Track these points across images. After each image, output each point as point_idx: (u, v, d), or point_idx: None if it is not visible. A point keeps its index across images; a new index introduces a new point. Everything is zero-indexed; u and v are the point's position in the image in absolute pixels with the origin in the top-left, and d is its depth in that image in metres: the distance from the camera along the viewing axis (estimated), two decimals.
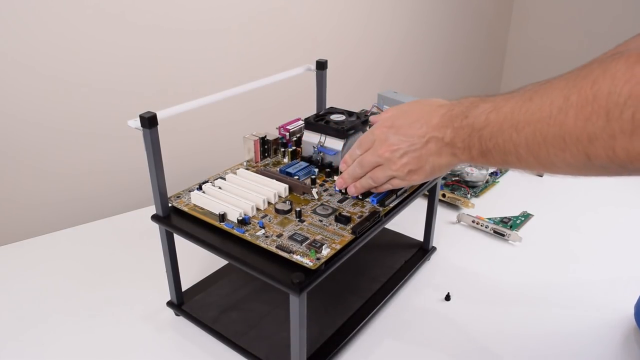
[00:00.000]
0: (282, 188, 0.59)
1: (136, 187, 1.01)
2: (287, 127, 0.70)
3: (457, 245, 0.78)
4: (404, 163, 0.51)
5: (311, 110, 0.73)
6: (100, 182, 1.04)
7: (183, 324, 0.63)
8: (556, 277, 0.71)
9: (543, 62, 1.75)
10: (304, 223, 0.55)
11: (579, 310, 0.65)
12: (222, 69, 1.13)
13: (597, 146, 0.35)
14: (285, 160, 0.68)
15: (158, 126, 0.52)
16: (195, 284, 0.67)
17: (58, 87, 0.93)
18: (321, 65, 0.72)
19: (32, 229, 0.86)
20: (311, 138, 0.66)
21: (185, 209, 0.58)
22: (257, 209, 0.57)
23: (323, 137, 0.65)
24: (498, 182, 0.96)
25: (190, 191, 0.60)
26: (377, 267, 0.70)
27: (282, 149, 0.69)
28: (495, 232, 0.79)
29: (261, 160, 0.69)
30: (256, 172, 0.63)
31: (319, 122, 0.65)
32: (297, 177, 0.63)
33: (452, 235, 0.80)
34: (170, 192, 0.59)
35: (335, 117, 0.66)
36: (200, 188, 0.60)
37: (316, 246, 0.50)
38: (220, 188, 0.60)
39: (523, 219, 0.84)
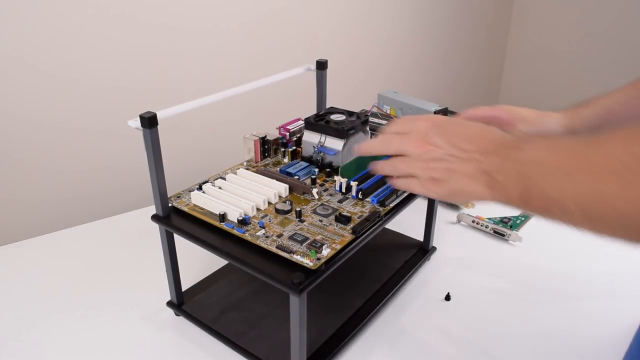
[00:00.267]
0: (282, 188, 0.59)
1: (136, 187, 1.01)
2: (287, 127, 0.70)
3: (457, 245, 0.78)
4: (431, 167, 0.46)
5: (311, 110, 0.73)
6: (100, 182, 1.04)
7: (183, 324, 0.63)
8: (556, 277, 0.71)
9: (543, 62, 1.75)
10: (304, 223, 0.55)
11: (579, 310, 0.65)
12: (223, 68, 1.13)
13: None
14: (286, 160, 0.68)
15: (158, 126, 0.52)
16: (195, 284, 0.67)
17: (58, 88, 0.93)
18: (321, 65, 0.71)
19: (32, 229, 0.86)
20: (311, 138, 0.66)
21: (186, 209, 0.58)
22: (257, 209, 0.57)
23: (323, 137, 0.65)
24: None
25: (190, 191, 0.60)
26: (377, 267, 0.70)
27: (282, 149, 0.69)
28: (495, 232, 0.79)
29: (261, 160, 0.69)
30: (256, 172, 0.63)
31: (319, 122, 0.65)
32: (297, 177, 0.63)
33: (452, 235, 0.80)
34: (170, 192, 0.59)
35: (335, 117, 0.66)
36: (200, 188, 0.60)
37: (316, 246, 0.50)
38: (220, 188, 0.60)
39: (523, 219, 0.84)
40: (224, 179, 0.62)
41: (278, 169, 0.65)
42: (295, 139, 0.70)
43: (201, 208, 0.58)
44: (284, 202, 0.58)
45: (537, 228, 0.82)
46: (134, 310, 0.65)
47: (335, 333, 0.59)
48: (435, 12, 1.55)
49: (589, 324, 0.63)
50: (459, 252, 0.76)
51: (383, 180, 0.63)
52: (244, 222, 0.54)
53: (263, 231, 0.53)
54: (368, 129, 0.68)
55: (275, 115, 1.02)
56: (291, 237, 0.52)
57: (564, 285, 0.70)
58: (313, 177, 0.62)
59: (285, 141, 0.69)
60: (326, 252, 0.50)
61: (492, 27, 1.77)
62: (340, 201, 0.59)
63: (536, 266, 0.73)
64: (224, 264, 0.70)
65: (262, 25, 1.17)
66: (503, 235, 0.79)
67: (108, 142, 1.02)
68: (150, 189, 0.55)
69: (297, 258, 0.49)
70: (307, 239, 0.52)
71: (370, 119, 0.85)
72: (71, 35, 0.92)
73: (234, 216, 0.55)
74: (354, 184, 0.59)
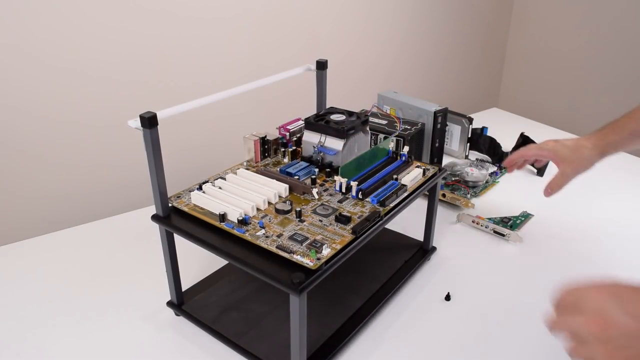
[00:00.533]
0: (282, 188, 0.59)
1: (136, 187, 1.01)
2: (287, 127, 0.70)
3: (457, 245, 0.78)
4: (620, 356, 0.36)
5: (311, 110, 0.73)
6: (100, 182, 1.04)
7: (183, 324, 0.63)
8: (556, 277, 0.71)
9: (543, 62, 1.75)
10: (304, 223, 0.55)
11: None
12: (223, 69, 1.13)
13: None
14: (286, 160, 0.68)
15: (158, 126, 0.52)
16: (195, 284, 0.67)
17: (58, 88, 0.93)
18: (321, 65, 0.71)
19: (32, 229, 0.86)
20: (311, 138, 0.66)
21: (186, 209, 0.58)
22: (257, 209, 0.57)
23: (323, 137, 0.65)
24: (498, 182, 0.96)
25: (190, 191, 0.60)
26: (377, 267, 0.70)
27: (282, 149, 0.69)
28: (495, 232, 0.79)
29: (261, 160, 0.69)
30: (256, 172, 0.63)
31: (319, 122, 0.65)
32: (297, 177, 0.63)
33: (452, 235, 0.80)
34: (170, 192, 0.59)
35: (335, 117, 0.66)
36: (200, 188, 0.60)
37: (316, 246, 0.50)
38: (220, 188, 0.60)
39: (523, 219, 0.84)
40: (224, 179, 0.62)
41: (278, 169, 0.65)
42: (295, 139, 0.70)
43: (201, 208, 0.58)
44: (284, 202, 0.58)
45: (537, 228, 0.82)
46: (134, 310, 0.65)
47: (335, 333, 0.59)
48: (435, 12, 1.55)
49: None
50: (459, 252, 0.76)
51: (383, 180, 0.63)
52: (244, 222, 0.54)
53: (263, 231, 0.53)
54: (368, 129, 0.68)
55: (275, 115, 1.02)
56: (291, 237, 0.52)
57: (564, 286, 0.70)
58: (313, 177, 0.62)
59: (285, 141, 0.69)
60: (326, 252, 0.50)
61: (492, 27, 1.77)
62: (340, 201, 0.59)
63: (536, 266, 0.73)
64: (224, 264, 0.70)
65: (262, 25, 1.17)
66: (503, 235, 0.79)
67: (108, 142, 1.02)
68: (150, 189, 0.55)
69: (297, 258, 0.49)
70: (307, 239, 0.52)
71: (370, 119, 0.85)
72: (71, 35, 0.92)
73: (234, 216, 0.55)
74: (354, 184, 0.59)
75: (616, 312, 0.37)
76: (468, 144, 1.00)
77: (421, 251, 0.74)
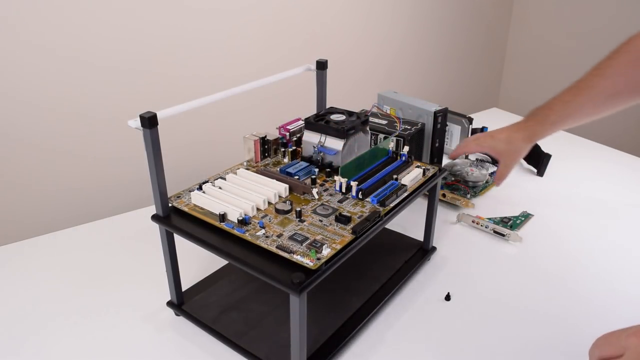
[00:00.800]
0: (282, 188, 0.59)
1: (136, 187, 1.01)
2: (287, 127, 0.70)
3: (457, 245, 0.78)
4: None
5: (311, 110, 0.73)
6: (100, 182, 1.04)
7: (183, 324, 0.63)
8: (556, 277, 0.71)
9: (543, 61, 1.75)
10: (304, 223, 0.55)
11: (579, 310, 0.65)
12: (223, 69, 1.13)
13: None
14: (286, 160, 0.68)
15: (158, 126, 0.52)
16: (195, 284, 0.67)
17: (58, 89, 0.93)
18: (321, 65, 0.71)
19: (32, 229, 0.86)
20: (311, 138, 0.66)
21: (186, 209, 0.58)
22: (257, 209, 0.57)
23: (323, 137, 0.65)
24: None
25: (190, 191, 0.60)
26: (377, 267, 0.70)
27: (282, 149, 0.69)
28: (495, 232, 0.79)
29: (261, 160, 0.69)
30: (256, 172, 0.63)
31: (319, 122, 0.65)
32: (297, 177, 0.63)
33: (452, 235, 0.80)
34: (170, 192, 0.59)
35: (335, 117, 0.66)
36: (200, 188, 0.60)
37: (316, 246, 0.50)
38: (220, 188, 0.60)
39: (523, 219, 0.84)
40: (224, 179, 0.62)
41: (278, 169, 0.65)
42: (295, 139, 0.70)
43: (201, 208, 0.58)
44: (284, 202, 0.58)
45: (537, 228, 0.82)
46: (134, 310, 0.65)
47: (335, 333, 0.59)
48: (436, 12, 1.55)
49: (589, 324, 0.63)
50: (459, 252, 0.76)
51: (383, 180, 0.63)
52: (244, 222, 0.54)
53: (263, 231, 0.53)
54: (368, 129, 0.68)
55: (275, 115, 1.02)
56: (291, 237, 0.52)
57: (564, 286, 0.70)
58: (313, 177, 0.62)
59: (285, 141, 0.69)
60: (326, 252, 0.50)
61: (492, 26, 1.77)
62: (340, 201, 0.59)
63: (536, 266, 0.73)
64: (224, 264, 0.70)
65: (262, 25, 1.17)
66: (503, 235, 0.79)
67: (108, 142, 1.02)
68: (150, 189, 0.55)
69: (297, 258, 0.49)
70: (307, 239, 0.52)
71: (370, 119, 0.85)
72: (70, 34, 0.92)
73: (234, 216, 0.55)
74: (354, 184, 0.59)
75: None
76: None
77: (421, 251, 0.74)
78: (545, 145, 0.99)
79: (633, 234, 0.81)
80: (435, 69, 1.64)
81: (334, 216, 0.56)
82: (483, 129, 1.02)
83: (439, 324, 0.63)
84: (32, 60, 0.89)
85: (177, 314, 0.64)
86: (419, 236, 0.75)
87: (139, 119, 0.51)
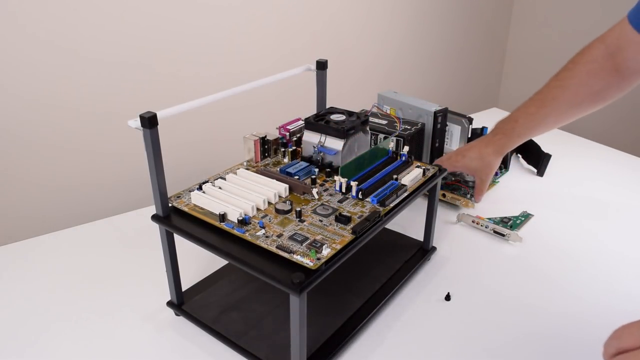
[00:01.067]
0: (282, 188, 0.59)
1: (136, 187, 1.01)
2: (287, 127, 0.70)
3: (457, 245, 0.78)
4: None
5: (311, 110, 0.73)
6: (100, 182, 1.04)
7: (183, 324, 0.63)
8: (556, 277, 0.71)
9: (543, 62, 1.75)
10: (304, 223, 0.55)
11: (579, 310, 0.65)
12: (223, 68, 1.13)
13: None
14: (286, 160, 0.68)
15: (158, 126, 0.52)
16: (195, 284, 0.67)
17: (58, 88, 0.93)
18: (321, 65, 0.71)
19: (32, 229, 0.86)
20: (311, 138, 0.66)
21: (186, 209, 0.58)
22: (257, 209, 0.57)
23: (323, 137, 0.65)
24: (498, 182, 0.96)
25: (190, 191, 0.60)
26: (377, 267, 0.70)
27: (282, 149, 0.69)
28: (495, 232, 0.79)
29: (261, 160, 0.69)
30: (256, 172, 0.63)
31: (319, 122, 0.65)
32: (297, 177, 0.63)
33: (452, 235, 0.80)
34: (170, 192, 0.58)
35: (335, 117, 0.66)
36: (200, 188, 0.60)
37: (316, 246, 0.50)
38: (220, 188, 0.60)
39: (523, 219, 0.84)
40: (224, 179, 0.62)
41: (278, 169, 0.65)
42: (295, 139, 0.70)
43: (201, 208, 0.58)
44: (284, 202, 0.58)
45: (537, 228, 0.82)
46: (134, 310, 0.65)
47: (335, 333, 0.59)
48: (435, 11, 1.55)
49: (589, 324, 0.63)
50: (459, 252, 0.76)
51: (383, 180, 0.63)
52: (244, 222, 0.54)
53: (263, 231, 0.53)
54: (368, 129, 0.68)
55: (275, 115, 1.02)
56: (291, 237, 0.52)
57: (564, 285, 0.70)
58: (313, 177, 0.62)
59: (285, 141, 0.69)
60: (326, 252, 0.50)
61: (492, 27, 1.77)
62: (340, 201, 0.59)
63: (536, 266, 0.73)
64: (224, 264, 0.70)
65: (262, 25, 1.17)
66: (503, 235, 0.79)
67: (108, 142, 1.02)
68: (150, 189, 0.55)
69: (297, 258, 0.49)
70: (307, 239, 0.52)
71: (370, 119, 0.85)
72: (70, 34, 0.92)
73: (234, 216, 0.55)
74: (354, 184, 0.59)
75: None
76: None
77: (421, 251, 0.74)
78: (545, 145, 0.99)
79: (633, 234, 0.81)
80: (435, 69, 1.64)
81: (334, 216, 0.56)
82: (483, 129, 1.02)
83: (439, 324, 0.63)
84: (32, 60, 0.89)
85: (177, 314, 0.64)
86: (419, 236, 0.75)
87: (139, 119, 0.51)
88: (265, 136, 0.68)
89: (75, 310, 0.65)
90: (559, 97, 0.77)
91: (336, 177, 0.61)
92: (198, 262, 0.72)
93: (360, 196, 0.59)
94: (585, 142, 1.16)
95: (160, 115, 0.52)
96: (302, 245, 0.51)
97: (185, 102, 0.56)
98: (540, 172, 0.99)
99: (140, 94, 1.02)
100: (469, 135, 0.99)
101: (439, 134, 0.89)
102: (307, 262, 0.49)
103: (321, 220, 0.55)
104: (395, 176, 0.63)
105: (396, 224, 0.80)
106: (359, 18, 1.36)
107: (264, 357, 0.56)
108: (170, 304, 0.64)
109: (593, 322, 0.63)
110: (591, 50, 0.76)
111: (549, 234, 0.81)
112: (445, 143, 0.99)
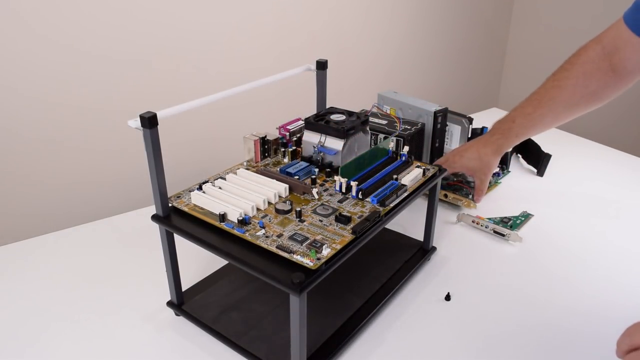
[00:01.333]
0: (282, 188, 0.59)
1: (136, 187, 1.01)
2: (287, 127, 0.70)
3: (457, 245, 0.78)
4: None
5: (311, 110, 0.73)
6: (100, 182, 1.04)
7: (183, 324, 0.63)
8: (556, 277, 0.71)
9: (543, 62, 1.75)
10: (304, 223, 0.55)
11: (579, 310, 0.65)
12: (223, 68, 1.13)
13: None
14: (286, 160, 0.68)
15: (158, 126, 0.52)
16: (195, 284, 0.67)
17: (58, 87, 0.93)
18: (321, 65, 0.71)
19: (32, 229, 0.86)
20: (311, 138, 0.66)
21: (186, 209, 0.58)
22: (257, 209, 0.57)
23: (323, 137, 0.65)
24: (500, 182, 0.96)
25: (190, 191, 0.60)
26: (377, 267, 0.70)
27: (282, 149, 0.69)
28: (495, 232, 0.79)
29: (261, 160, 0.69)
30: (256, 172, 0.63)
31: (319, 122, 0.65)
32: (297, 177, 0.63)
33: (452, 235, 0.80)
34: (170, 192, 0.58)
35: (335, 117, 0.66)
36: (200, 188, 0.60)
37: (316, 246, 0.50)
38: (220, 188, 0.60)
39: (523, 219, 0.84)
40: (224, 179, 0.62)
41: (278, 169, 0.65)
42: (295, 139, 0.70)
43: (201, 208, 0.57)
44: (284, 202, 0.58)
45: (537, 228, 0.82)
46: (134, 310, 0.65)
47: (335, 333, 0.59)
48: (435, 11, 1.55)
49: (589, 324, 0.63)
50: (459, 252, 0.76)
51: (383, 180, 0.63)
52: (244, 222, 0.54)
53: (263, 231, 0.53)
54: (368, 129, 0.68)
55: (275, 115, 1.02)
56: (291, 237, 0.52)
57: (564, 285, 0.70)
58: (313, 177, 0.62)
59: (285, 141, 0.69)
60: (326, 252, 0.50)
61: (492, 27, 1.77)
62: (340, 201, 0.59)
63: (536, 266, 0.73)
64: (224, 264, 0.70)
65: (262, 25, 1.17)
66: (503, 235, 0.79)
67: (108, 142, 1.02)
68: (150, 189, 0.55)
69: (297, 258, 0.49)
70: (307, 239, 0.52)
71: (370, 119, 0.85)
72: (70, 32, 0.92)
73: (234, 216, 0.55)
74: (354, 184, 0.59)
75: None
76: None
77: (421, 251, 0.74)
78: (545, 145, 0.99)
79: (633, 234, 0.81)
80: (435, 69, 1.64)
81: (334, 216, 0.56)
82: (483, 129, 1.02)
83: (439, 324, 0.63)
84: (32, 59, 0.89)
85: (177, 314, 0.64)
86: (419, 236, 0.75)
87: (139, 119, 0.51)
88: (265, 136, 0.68)
89: (74, 310, 0.65)
90: (556, 97, 0.77)
91: (336, 177, 0.61)
92: (198, 262, 0.72)
93: (360, 196, 0.59)
94: (585, 142, 1.16)
95: (160, 115, 0.52)
96: (302, 245, 0.51)
97: (185, 102, 0.56)
98: (540, 172, 0.99)
99: (139, 93, 1.02)
100: (469, 135, 0.99)
101: (439, 134, 0.89)
102: (307, 262, 0.48)
103: (321, 220, 0.55)
104: (395, 176, 0.63)
105: (396, 224, 0.80)
106: (359, 18, 1.36)
107: (264, 357, 0.56)
108: (170, 304, 0.64)
109: (593, 322, 0.63)
110: (587, 50, 0.76)
111: (549, 234, 0.81)
112: (445, 143, 0.99)
